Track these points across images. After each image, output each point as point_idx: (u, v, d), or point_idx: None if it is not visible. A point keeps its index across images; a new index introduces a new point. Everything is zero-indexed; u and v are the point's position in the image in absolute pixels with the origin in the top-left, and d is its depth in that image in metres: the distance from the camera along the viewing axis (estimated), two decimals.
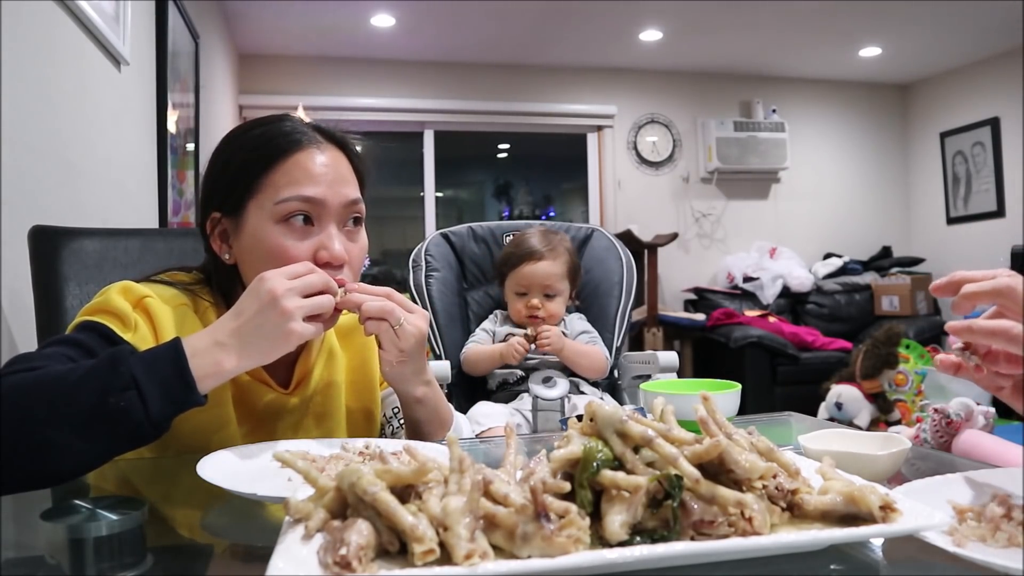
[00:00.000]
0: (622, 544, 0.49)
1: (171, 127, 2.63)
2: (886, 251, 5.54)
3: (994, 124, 5.09)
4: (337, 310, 0.87)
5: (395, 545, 0.48)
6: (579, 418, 0.60)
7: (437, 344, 1.76)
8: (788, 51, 4.99)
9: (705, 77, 5.38)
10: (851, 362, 3.60)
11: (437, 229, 2.14)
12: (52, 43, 1.62)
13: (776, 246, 5.25)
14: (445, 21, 4.31)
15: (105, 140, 1.98)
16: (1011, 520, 0.55)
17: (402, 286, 4.94)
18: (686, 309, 5.11)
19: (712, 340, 4.64)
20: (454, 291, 1.86)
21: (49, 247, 1.31)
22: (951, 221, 5.45)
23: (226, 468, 0.76)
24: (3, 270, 1.34)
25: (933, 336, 4.60)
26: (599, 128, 5.30)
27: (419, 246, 1.86)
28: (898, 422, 3.44)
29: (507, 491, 0.50)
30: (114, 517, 0.59)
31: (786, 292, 5.02)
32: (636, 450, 0.54)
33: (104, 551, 0.58)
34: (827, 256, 5.44)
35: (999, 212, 5.07)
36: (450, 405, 1.09)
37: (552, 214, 5.82)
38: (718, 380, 1.14)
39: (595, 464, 0.52)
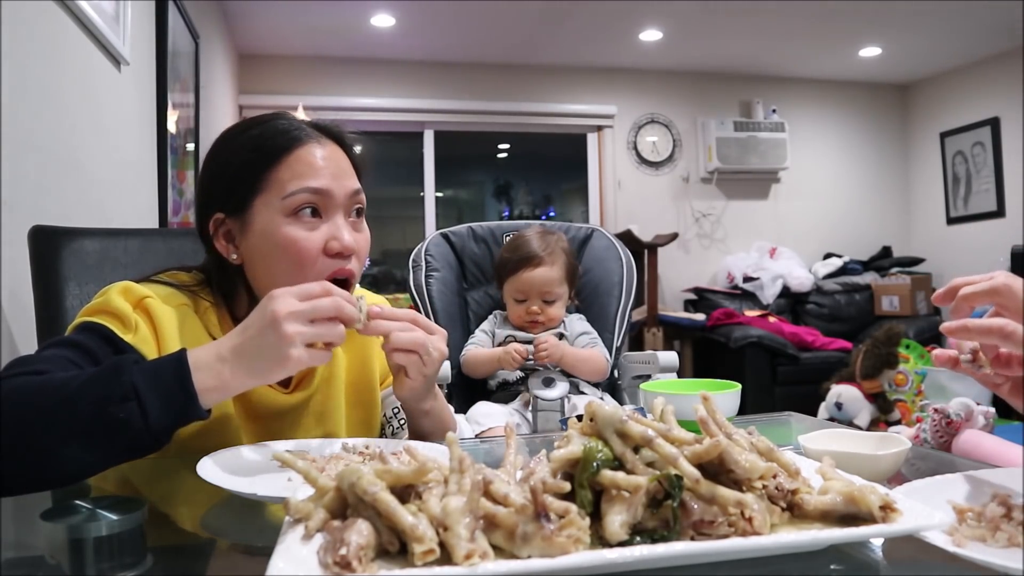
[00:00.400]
0: (622, 544, 0.49)
1: (171, 127, 2.63)
2: (886, 251, 5.54)
3: (994, 124, 5.09)
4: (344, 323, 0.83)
5: (395, 545, 0.48)
6: (579, 418, 0.60)
7: None
8: (788, 51, 4.99)
9: (705, 77, 5.38)
10: (851, 362, 3.60)
11: (437, 229, 2.14)
12: (52, 43, 1.62)
13: (776, 246, 5.25)
14: (445, 21, 4.31)
15: (105, 140, 1.98)
16: (1011, 520, 0.55)
17: (402, 286, 4.93)
18: (686, 309, 5.11)
19: (712, 340, 4.64)
20: (454, 291, 1.86)
21: (49, 247, 1.31)
22: (951, 221, 5.45)
23: (226, 468, 0.76)
24: (3, 270, 1.34)
25: (933, 336, 4.60)
26: (599, 128, 5.30)
27: (419, 246, 1.86)
28: (898, 422, 3.44)
29: (507, 491, 0.50)
30: (114, 517, 0.59)
31: (786, 292, 5.03)
32: (636, 450, 0.54)
33: (104, 551, 0.58)
34: (827, 256, 5.44)
35: (999, 212, 5.07)
36: (451, 408, 1.09)
37: (552, 214, 5.82)
38: (718, 380, 1.14)
39: (595, 464, 0.52)
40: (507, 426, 0.65)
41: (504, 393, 1.71)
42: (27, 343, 1.42)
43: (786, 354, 4.43)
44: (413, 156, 5.12)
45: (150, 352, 0.90)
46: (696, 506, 0.51)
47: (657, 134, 5.33)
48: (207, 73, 3.39)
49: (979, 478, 0.65)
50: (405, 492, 0.52)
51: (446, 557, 0.46)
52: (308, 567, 0.46)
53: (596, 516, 0.51)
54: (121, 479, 0.85)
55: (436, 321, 1.77)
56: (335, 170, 0.96)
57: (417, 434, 1.03)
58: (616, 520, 0.49)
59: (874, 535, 0.53)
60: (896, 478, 0.73)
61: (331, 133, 1.01)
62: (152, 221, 2.46)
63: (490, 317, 1.82)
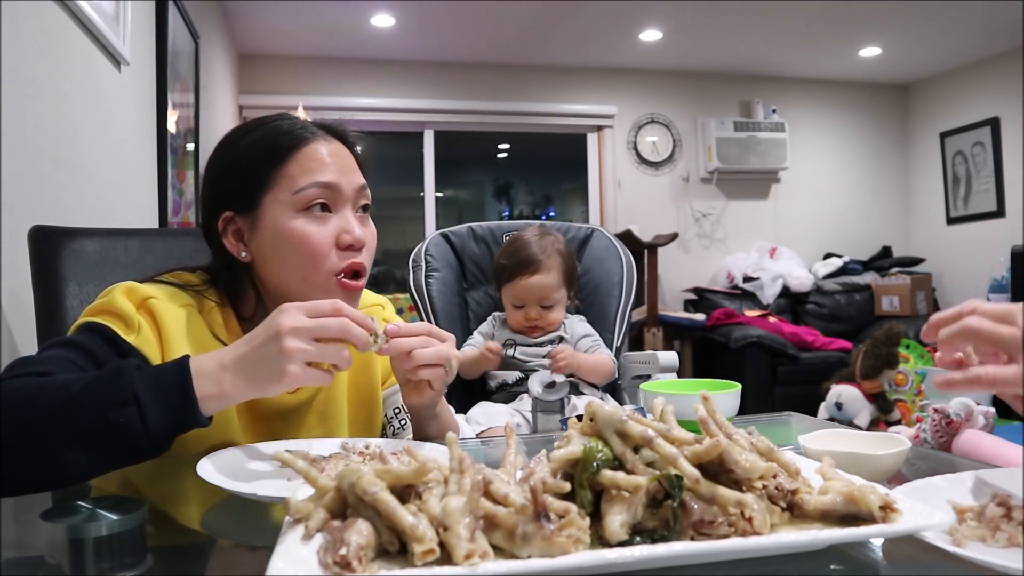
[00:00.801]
0: (622, 544, 0.49)
1: (171, 127, 2.63)
2: (886, 251, 5.54)
3: (994, 124, 5.09)
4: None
5: (395, 545, 0.48)
6: (579, 418, 0.60)
7: None
8: (788, 51, 4.99)
9: (705, 77, 5.38)
10: (851, 362, 3.60)
11: (437, 229, 2.14)
12: (52, 43, 1.62)
13: (776, 246, 5.25)
14: (445, 21, 4.31)
15: (105, 140, 1.98)
16: (1011, 520, 0.55)
17: (402, 286, 4.93)
18: (686, 309, 5.11)
19: (712, 340, 4.64)
20: (454, 291, 1.86)
21: (49, 247, 1.31)
22: (951, 221, 5.45)
23: (226, 468, 0.76)
24: (3, 270, 1.34)
25: None
26: (599, 128, 5.30)
27: (419, 246, 1.86)
28: (898, 422, 3.44)
29: (507, 491, 0.50)
30: (114, 517, 0.59)
31: (786, 292, 5.02)
32: (636, 450, 0.54)
33: (104, 551, 0.58)
34: (827, 256, 5.44)
35: (999, 212, 5.07)
36: (452, 410, 1.09)
37: (552, 214, 5.83)
38: (718, 380, 1.14)
39: (595, 464, 0.52)
40: (507, 426, 0.65)
41: (504, 394, 1.71)
42: (27, 343, 1.42)
43: (786, 354, 4.43)
44: (413, 156, 5.12)
45: (153, 353, 0.90)
46: (696, 506, 0.51)
47: (657, 134, 5.33)
48: (207, 73, 3.39)
49: (979, 478, 0.65)
50: (405, 492, 0.52)
51: (446, 557, 0.46)
52: (308, 567, 0.46)
53: (596, 516, 0.51)
54: (121, 479, 0.85)
55: (436, 321, 1.78)
56: (342, 166, 0.97)
57: (423, 437, 1.03)
58: (616, 520, 0.49)
59: (874, 535, 0.53)
60: (896, 478, 0.73)
61: (334, 131, 1.02)
62: (152, 221, 2.46)
63: (488, 319, 1.81)
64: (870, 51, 5.01)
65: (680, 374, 1.80)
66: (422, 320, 1.79)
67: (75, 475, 0.73)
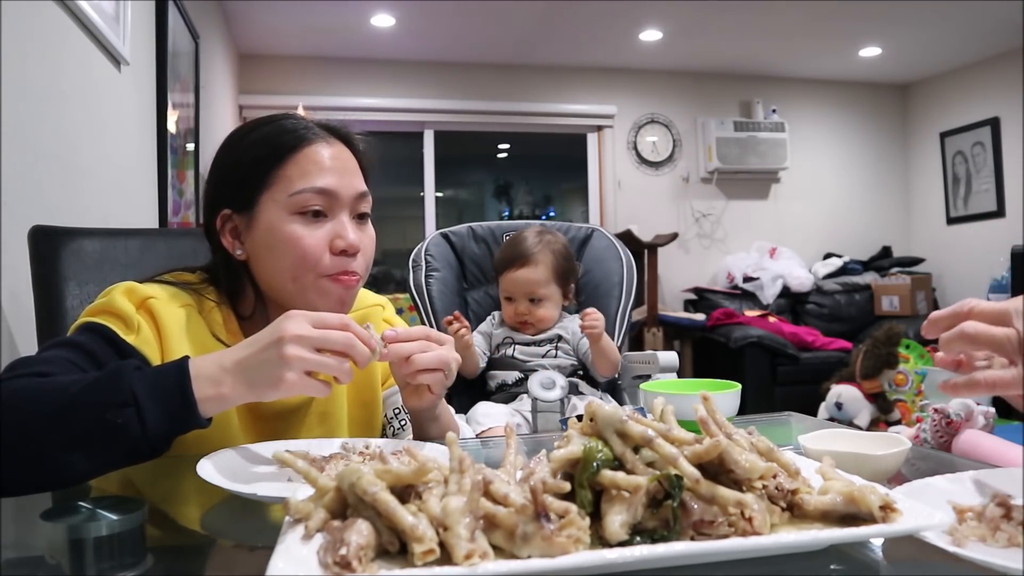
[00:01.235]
0: (622, 544, 0.49)
1: (171, 127, 2.63)
2: (886, 251, 5.54)
3: (994, 124, 5.09)
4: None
5: (395, 545, 0.48)
6: (579, 418, 0.60)
7: None
8: (788, 51, 4.99)
9: (705, 77, 5.38)
10: (851, 362, 3.60)
11: (437, 229, 2.14)
12: (52, 43, 1.62)
13: (776, 246, 5.25)
14: (445, 21, 4.31)
15: (105, 140, 1.98)
16: (1011, 520, 0.55)
17: (402, 286, 4.93)
18: (686, 309, 5.11)
19: (712, 340, 4.64)
20: (454, 291, 1.86)
21: (49, 247, 1.31)
22: (951, 221, 5.45)
23: (226, 468, 0.76)
24: (3, 270, 1.34)
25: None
26: (599, 128, 5.30)
27: (419, 246, 1.86)
28: (898, 422, 3.44)
29: (507, 491, 0.50)
30: (114, 517, 0.59)
31: (786, 292, 5.02)
32: (636, 450, 0.54)
33: (104, 551, 0.58)
34: (827, 256, 5.44)
35: (999, 212, 5.07)
36: (452, 410, 1.09)
37: (552, 214, 5.83)
38: (718, 380, 1.14)
39: (595, 464, 0.52)
40: (507, 426, 0.65)
41: (503, 394, 1.71)
42: (27, 343, 1.42)
43: (786, 354, 4.43)
44: (413, 156, 5.12)
45: (152, 353, 0.90)
46: (696, 506, 0.51)
47: (657, 134, 5.33)
48: (207, 73, 3.39)
49: (979, 478, 0.65)
50: (405, 492, 0.52)
51: (446, 557, 0.46)
52: (308, 567, 0.46)
53: (596, 516, 0.51)
54: (122, 479, 0.85)
55: (436, 322, 1.77)
56: (342, 170, 0.97)
57: (423, 439, 1.02)
58: (616, 520, 0.49)
59: (874, 535, 0.53)
60: (896, 478, 0.73)
61: (339, 134, 1.01)
62: (152, 221, 2.46)
63: (488, 318, 1.82)
64: (870, 51, 5.00)
65: (680, 374, 1.80)
66: (422, 320, 1.79)
67: (75, 476, 0.73)
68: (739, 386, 1.08)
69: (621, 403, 1.80)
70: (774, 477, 0.55)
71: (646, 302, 4.55)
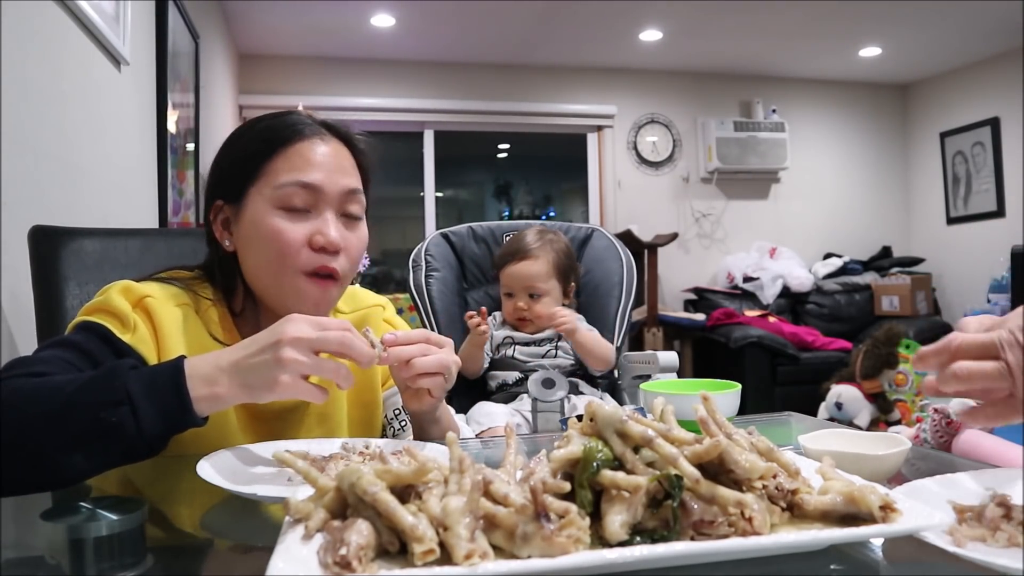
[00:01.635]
0: (622, 544, 0.49)
1: (171, 127, 2.63)
2: (886, 251, 5.54)
3: (994, 124, 5.09)
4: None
5: (395, 545, 0.48)
6: (579, 418, 0.60)
7: None
8: (788, 51, 4.99)
9: (705, 77, 5.38)
10: (851, 362, 3.60)
11: (437, 229, 2.14)
12: (52, 43, 1.62)
13: (776, 246, 5.25)
14: (445, 21, 4.31)
15: (105, 140, 1.98)
16: (1011, 520, 0.55)
17: (402, 286, 4.92)
18: (686, 309, 5.11)
19: (712, 340, 4.64)
20: (454, 291, 1.86)
21: (49, 247, 1.31)
22: (951, 221, 5.45)
23: (226, 468, 0.76)
24: (3, 270, 1.34)
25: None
26: (599, 128, 5.30)
27: (419, 246, 1.86)
28: (898, 422, 3.44)
29: (507, 491, 0.50)
30: (114, 517, 0.59)
31: (786, 292, 5.03)
32: (636, 450, 0.54)
33: (104, 551, 0.58)
34: (827, 256, 5.44)
35: (999, 212, 5.07)
36: (452, 411, 1.09)
37: (552, 214, 5.83)
38: (718, 380, 1.14)
39: (595, 464, 0.52)
40: (507, 426, 0.65)
41: (504, 394, 1.71)
42: (27, 343, 1.42)
43: (786, 354, 4.43)
44: (413, 156, 5.12)
45: (149, 352, 0.90)
46: (696, 506, 0.51)
47: (657, 134, 5.33)
48: (207, 73, 3.39)
49: (979, 478, 0.65)
50: (405, 492, 0.52)
51: (446, 557, 0.46)
52: (308, 567, 0.46)
53: (596, 516, 0.51)
54: (121, 479, 0.85)
55: (436, 322, 1.78)
56: (332, 167, 0.96)
57: (424, 440, 1.02)
58: (616, 520, 0.49)
59: (874, 535, 0.53)
60: (896, 478, 0.73)
61: (338, 132, 1.01)
62: (152, 221, 2.46)
63: (488, 318, 1.82)
64: (870, 51, 5.01)
65: (680, 374, 1.80)
66: (422, 320, 1.79)
67: (71, 476, 0.72)
68: (739, 386, 1.07)
69: (621, 403, 1.80)
70: (774, 477, 0.55)
71: (646, 302, 4.55)
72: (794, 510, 0.55)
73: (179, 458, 0.87)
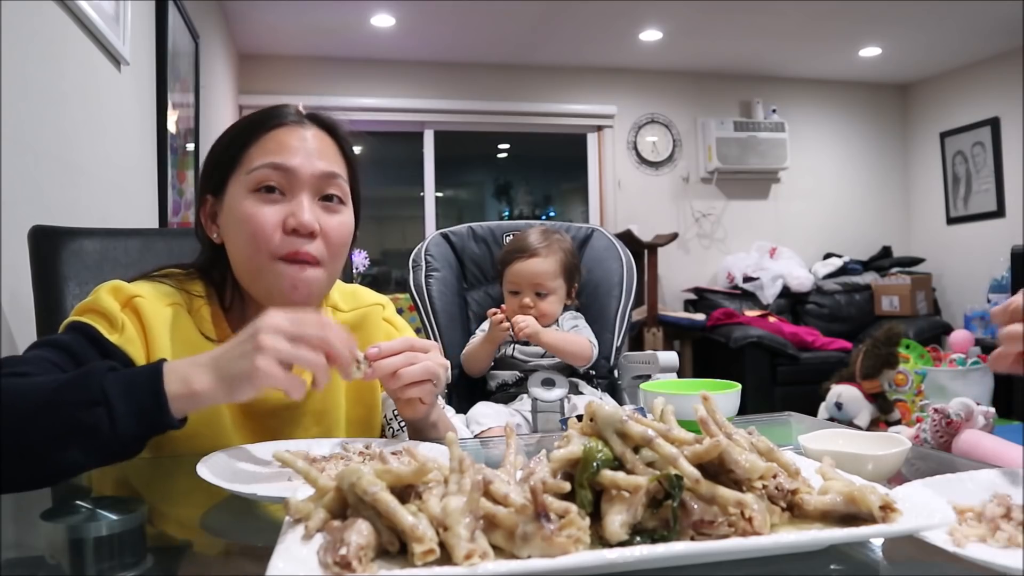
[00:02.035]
0: (622, 544, 0.49)
1: (171, 127, 2.63)
2: (886, 251, 5.54)
3: (994, 124, 5.09)
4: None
5: (395, 545, 0.48)
6: (579, 418, 0.60)
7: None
8: (788, 51, 4.99)
9: (705, 77, 5.38)
10: (851, 362, 3.60)
11: (437, 229, 2.14)
12: (52, 43, 1.62)
13: (776, 246, 5.25)
14: (445, 21, 4.31)
15: (105, 140, 1.98)
16: (1011, 520, 0.55)
17: (402, 286, 4.93)
18: (686, 309, 5.11)
19: (712, 340, 4.64)
20: (454, 291, 1.86)
21: (49, 247, 1.31)
22: (951, 221, 5.45)
23: (226, 468, 0.76)
24: (3, 270, 1.34)
25: (933, 336, 4.60)
26: (599, 128, 5.30)
27: (419, 246, 1.86)
28: (898, 422, 3.44)
29: (507, 491, 0.50)
30: (114, 517, 0.59)
31: (786, 292, 5.03)
32: (636, 450, 0.54)
33: (104, 551, 0.58)
34: (827, 256, 5.44)
35: (999, 212, 5.07)
36: (449, 413, 1.09)
37: (552, 214, 5.83)
38: (718, 380, 1.14)
39: (595, 464, 0.52)
40: (507, 426, 0.65)
41: (503, 394, 1.71)
42: (27, 343, 1.41)
43: (786, 354, 4.43)
44: (413, 156, 5.12)
45: (137, 352, 0.90)
46: (696, 506, 0.51)
47: (657, 134, 5.33)
48: (207, 73, 3.39)
49: (979, 478, 0.65)
50: (405, 492, 0.52)
51: (446, 557, 0.46)
52: (308, 567, 0.46)
53: (596, 516, 0.51)
54: (121, 479, 0.85)
55: (436, 322, 1.78)
56: (308, 150, 0.96)
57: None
58: (616, 520, 0.49)
59: (874, 535, 0.53)
60: (896, 478, 0.73)
61: (321, 121, 1.01)
62: (152, 221, 2.46)
63: (488, 318, 1.81)
64: (870, 51, 5.00)
65: (680, 374, 1.80)
66: (422, 320, 1.79)
67: (50, 475, 0.71)
68: (739, 386, 1.07)
69: (621, 403, 1.80)
70: (774, 477, 0.55)
71: (646, 302, 4.55)
72: (794, 510, 0.55)
73: (179, 458, 0.87)
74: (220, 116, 3.88)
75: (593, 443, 0.54)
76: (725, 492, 0.52)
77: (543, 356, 1.73)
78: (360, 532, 0.47)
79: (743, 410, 1.10)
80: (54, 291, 1.29)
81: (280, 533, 0.51)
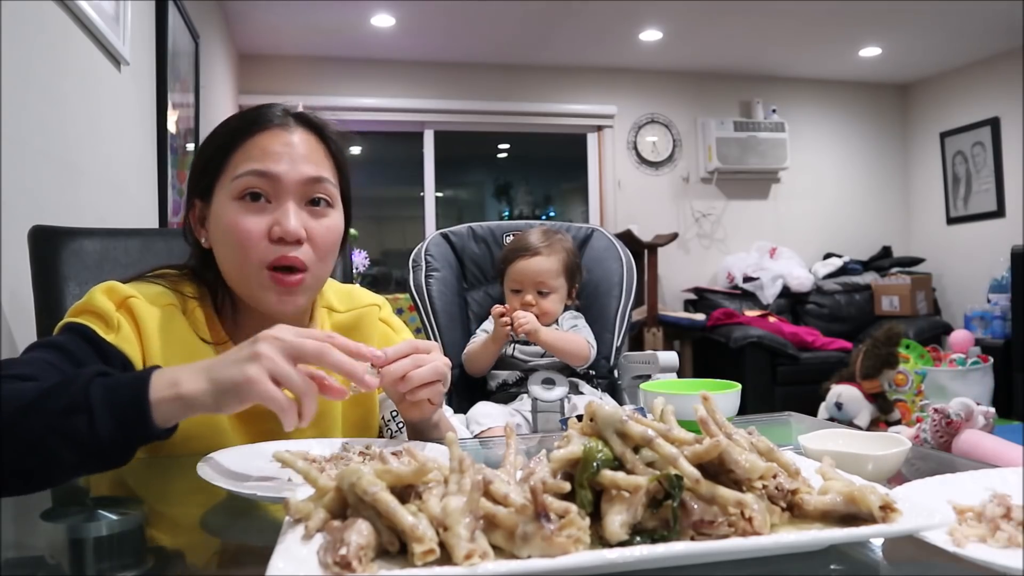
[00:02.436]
0: (622, 544, 0.49)
1: (171, 127, 2.63)
2: (886, 251, 5.54)
3: (994, 124, 5.09)
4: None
5: (395, 545, 0.48)
6: (579, 418, 0.60)
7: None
8: (788, 51, 4.99)
9: (705, 77, 5.38)
10: (851, 362, 3.60)
11: (437, 229, 2.14)
12: (52, 43, 1.62)
13: (776, 246, 5.25)
14: (445, 21, 4.31)
15: (105, 140, 1.98)
16: (1011, 520, 0.55)
17: (402, 286, 4.93)
18: (686, 309, 5.11)
19: (712, 340, 4.64)
20: (454, 291, 1.86)
21: (49, 247, 1.31)
22: (951, 221, 5.45)
23: (226, 468, 0.76)
24: (3, 270, 1.34)
25: (933, 336, 4.60)
26: (599, 128, 5.30)
27: (419, 246, 1.86)
28: (898, 422, 3.44)
29: (507, 491, 0.50)
30: (114, 517, 0.59)
31: (786, 292, 5.03)
32: (636, 450, 0.54)
33: (104, 551, 0.58)
34: (827, 256, 5.44)
35: (999, 212, 5.07)
36: (449, 412, 1.09)
37: (552, 214, 5.83)
38: (718, 380, 1.14)
39: (595, 464, 0.52)
40: (507, 426, 0.65)
41: (504, 394, 1.71)
42: (27, 343, 1.41)
43: (786, 354, 4.43)
44: (413, 156, 5.12)
45: (133, 352, 0.90)
46: (696, 506, 0.51)
47: (657, 134, 5.33)
48: (207, 73, 3.39)
49: (979, 478, 0.65)
50: (405, 492, 0.52)
51: (446, 557, 0.46)
52: (308, 567, 0.46)
53: (596, 516, 0.51)
54: (120, 479, 0.85)
55: (436, 322, 1.78)
56: (293, 155, 0.94)
57: None
58: (616, 520, 0.49)
59: (874, 535, 0.53)
60: (896, 478, 0.73)
61: (309, 122, 0.99)
62: (152, 221, 2.46)
63: (489, 318, 1.82)
64: (870, 51, 5.01)
65: (680, 374, 1.80)
66: (422, 320, 1.79)
67: (36, 482, 0.71)
68: (739, 386, 1.07)
69: (621, 403, 1.80)
70: (774, 477, 0.55)
71: (646, 302, 4.55)
72: (794, 510, 0.55)
73: (178, 458, 0.87)
74: (220, 116, 3.88)
75: (593, 443, 0.54)
76: (725, 492, 0.52)
77: (543, 356, 1.73)
78: (360, 532, 0.47)
79: (743, 410, 1.10)
80: (54, 291, 1.29)
81: (280, 533, 0.51)
